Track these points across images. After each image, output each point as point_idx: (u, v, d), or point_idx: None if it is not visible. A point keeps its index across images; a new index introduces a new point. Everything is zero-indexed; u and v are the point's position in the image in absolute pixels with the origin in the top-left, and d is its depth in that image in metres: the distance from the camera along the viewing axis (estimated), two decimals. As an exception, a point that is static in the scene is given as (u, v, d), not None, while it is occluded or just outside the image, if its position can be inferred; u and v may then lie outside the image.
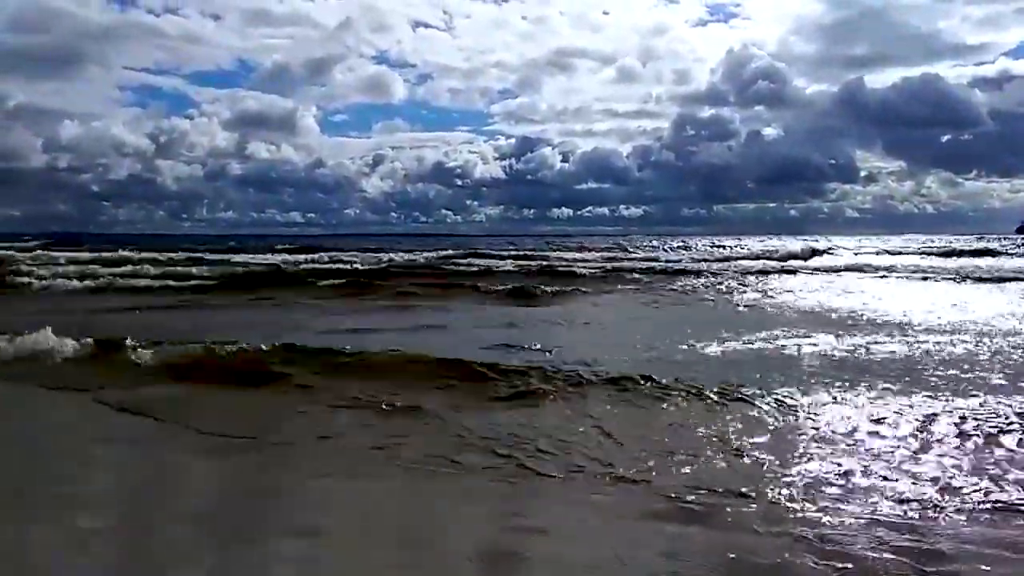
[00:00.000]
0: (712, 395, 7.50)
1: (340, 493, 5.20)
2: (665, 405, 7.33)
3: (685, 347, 10.57)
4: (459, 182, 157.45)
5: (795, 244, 53.02)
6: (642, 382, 8.00)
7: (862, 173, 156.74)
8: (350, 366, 9.31)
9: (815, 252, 44.11)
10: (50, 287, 23.21)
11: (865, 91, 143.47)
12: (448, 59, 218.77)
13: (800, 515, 4.52)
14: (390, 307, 17.75)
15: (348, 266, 32.72)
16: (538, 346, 10.65)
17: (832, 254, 44.98)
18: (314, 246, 51.27)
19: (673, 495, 4.89)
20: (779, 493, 4.88)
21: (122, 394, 8.08)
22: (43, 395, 8.30)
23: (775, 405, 7.15)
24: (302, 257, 38.69)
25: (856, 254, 45.58)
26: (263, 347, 9.86)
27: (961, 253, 43.03)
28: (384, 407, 7.40)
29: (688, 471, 5.37)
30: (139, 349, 9.78)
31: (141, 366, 9.39)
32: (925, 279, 25.54)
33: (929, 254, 43.86)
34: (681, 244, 65.45)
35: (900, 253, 45.78)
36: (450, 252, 44.43)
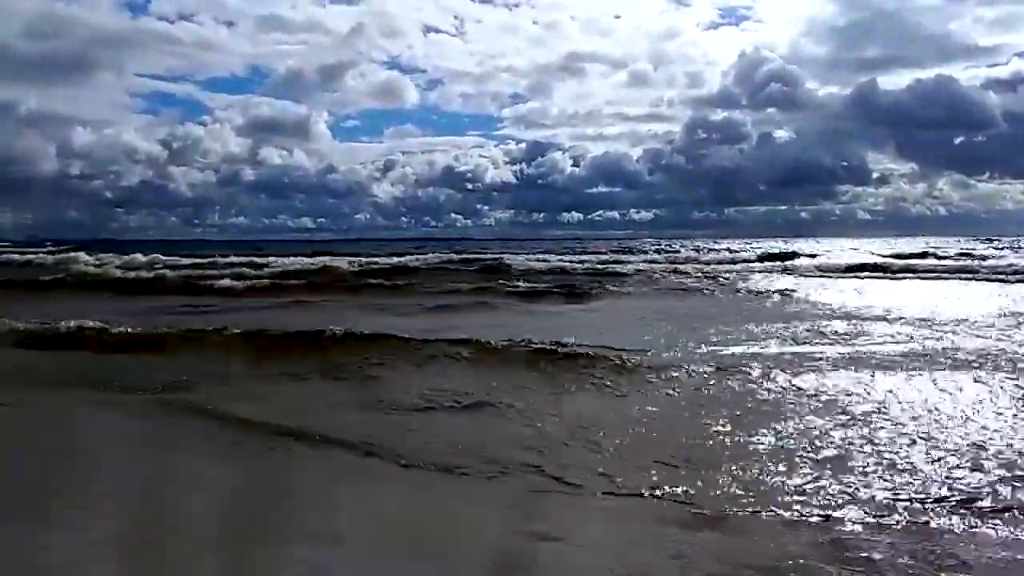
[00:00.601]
0: (749, 388, 7.71)
1: (356, 496, 5.05)
2: (702, 399, 7.48)
3: (729, 344, 10.73)
4: (469, 186, 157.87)
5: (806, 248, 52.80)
6: (686, 373, 8.35)
7: (874, 175, 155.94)
8: (413, 357, 9.62)
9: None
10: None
11: (878, 93, 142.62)
12: (459, 64, 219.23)
13: (817, 520, 4.42)
14: (429, 309, 17.68)
15: (354, 267, 33.05)
16: (593, 340, 10.60)
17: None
18: (326, 251, 51.46)
19: (694, 497, 4.86)
20: (796, 496, 4.81)
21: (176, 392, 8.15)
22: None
23: (795, 399, 7.28)
24: (334, 260, 38.73)
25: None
26: (334, 332, 10.39)
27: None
28: (452, 402, 7.54)
29: (709, 472, 5.31)
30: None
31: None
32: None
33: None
34: (694, 247, 65.41)
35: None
36: (468, 255, 44.60)
